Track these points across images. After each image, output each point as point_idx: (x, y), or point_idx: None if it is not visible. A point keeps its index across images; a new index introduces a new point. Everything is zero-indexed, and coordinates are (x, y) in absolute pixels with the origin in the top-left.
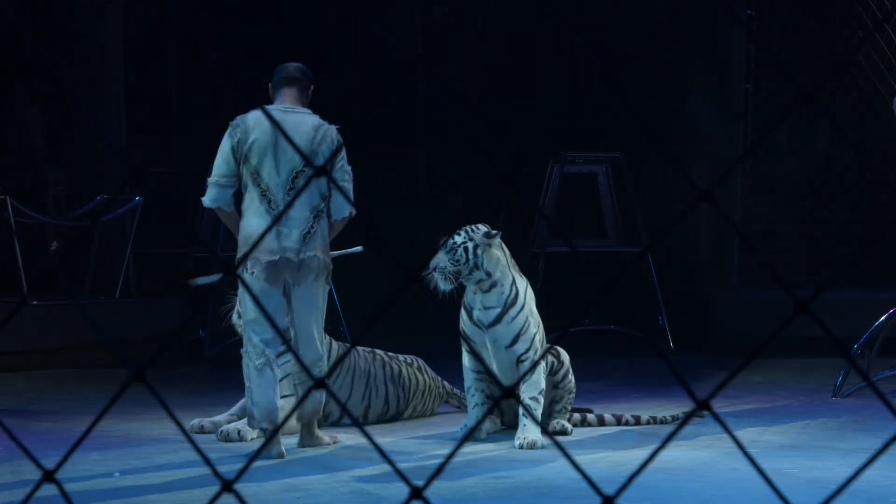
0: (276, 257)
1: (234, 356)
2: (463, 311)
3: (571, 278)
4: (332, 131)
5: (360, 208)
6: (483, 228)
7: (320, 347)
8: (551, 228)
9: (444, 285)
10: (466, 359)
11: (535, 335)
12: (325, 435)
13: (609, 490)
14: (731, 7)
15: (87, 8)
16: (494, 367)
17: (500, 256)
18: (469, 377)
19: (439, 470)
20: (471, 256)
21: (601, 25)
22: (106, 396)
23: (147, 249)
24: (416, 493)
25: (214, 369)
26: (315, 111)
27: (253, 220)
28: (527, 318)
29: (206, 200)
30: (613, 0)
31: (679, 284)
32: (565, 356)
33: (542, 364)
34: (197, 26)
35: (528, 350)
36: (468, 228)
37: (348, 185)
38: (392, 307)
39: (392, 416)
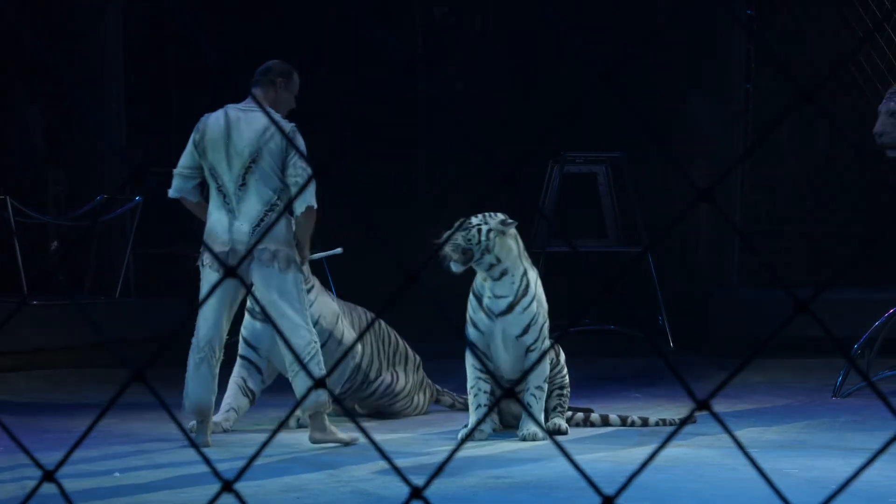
0: (227, 248)
1: (233, 355)
2: (472, 298)
3: (571, 278)
4: (285, 129)
5: (360, 208)
6: (500, 216)
7: (307, 333)
8: (551, 228)
9: (455, 267)
10: (470, 356)
11: (543, 325)
12: (339, 431)
13: (609, 490)
14: (731, 7)
15: (86, 8)
16: (501, 358)
17: (513, 246)
18: (472, 375)
19: (439, 470)
20: (483, 238)
21: (601, 25)
22: (106, 396)
23: (147, 249)
24: (417, 492)
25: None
26: (314, 110)
27: (213, 214)
28: (537, 308)
29: (171, 191)
30: (614, 0)
31: (679, 284)
32: (562, 355)
33: (549, 353)
34: (196, 26)
35: (536, 340)
36: (486, 213)
37: (301, 182)
38: (391, 307)
39: (366, 382)
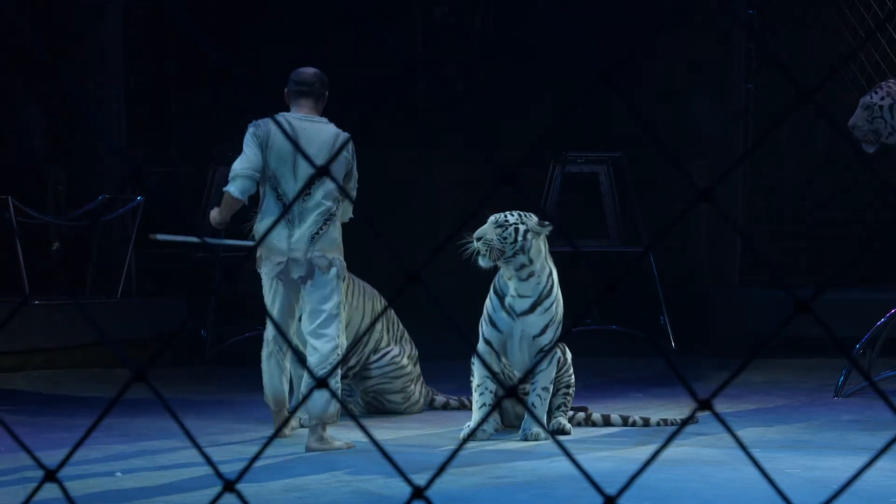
0: (285, 259)
1: (235, 356)
2: (493, 296)
3: (573, 278)
4: (347, 140)
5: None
6: (535, 217)
7: (336, 341)
8: (553, 228)
9: (484, 262)
10: (479, 355)
11: (559, 326)
12: (337, 440)
13: (611, 490)
14: (731, 6)
15: (86, 8)
16: (516, 357)
17: (542, 248)
18: (479, 374)
19: (441, 470)
20: (520, 238)
21: (602, 24)
22: (107, 396)
23: (148, 249)
24: (419, 492)
25: (216, 369)
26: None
27: (267, 222)
28: (556, 310)
29: (236, 191)
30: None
31: (680, 284)
32: (569, 354)
33: (557, 355)
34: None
35: (550, 340)
36: (522, 213)
37: (355, 192)
38: (392, 306)
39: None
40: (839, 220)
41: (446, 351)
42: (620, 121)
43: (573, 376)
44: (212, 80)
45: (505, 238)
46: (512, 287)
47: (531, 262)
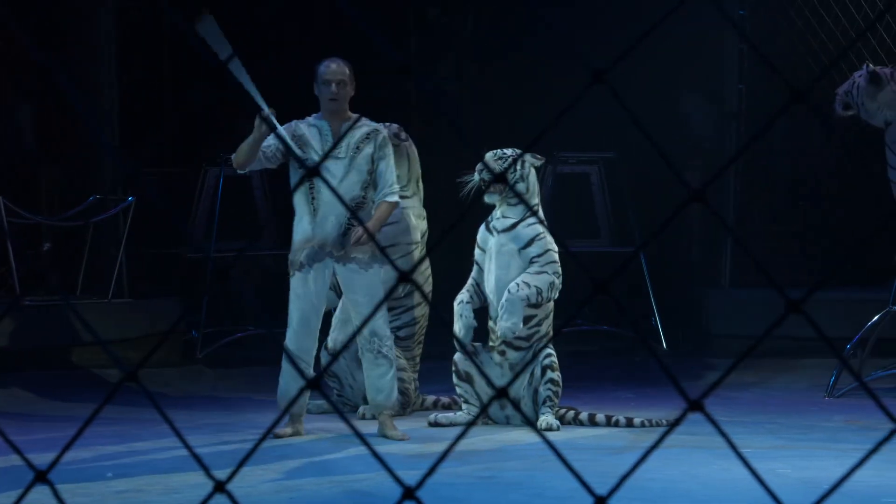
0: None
1: (227, 357)
2: (482, 228)
3: (564, 278)
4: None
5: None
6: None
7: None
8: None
9: (489, 198)
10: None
11: (550, 247)
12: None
13: (601, 490)
14: (723, 7)
15: (79, 7)
16: (493, 276)
17: (536, 182)
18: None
19: (431, 470)
20: (519, 167)
21: (594, 24)
22: (98, 397)
23: (140, 250)
24: (409, 492)
25: (208, 369)
26: (305, 108)
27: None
28: (543, 231)
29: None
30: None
31: (671, 284)
32: (552, 351)
33: (550, 277)
34: (190, 26)
35: (541, 255)
36: (513, 149)
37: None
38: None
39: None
40: (832, 219)
41: (438, 353)
42: (612, 121)
43: (559, 376)
44: (206, 79)
45: (506, 169)
46: (499, 212)
47: (528, 190)
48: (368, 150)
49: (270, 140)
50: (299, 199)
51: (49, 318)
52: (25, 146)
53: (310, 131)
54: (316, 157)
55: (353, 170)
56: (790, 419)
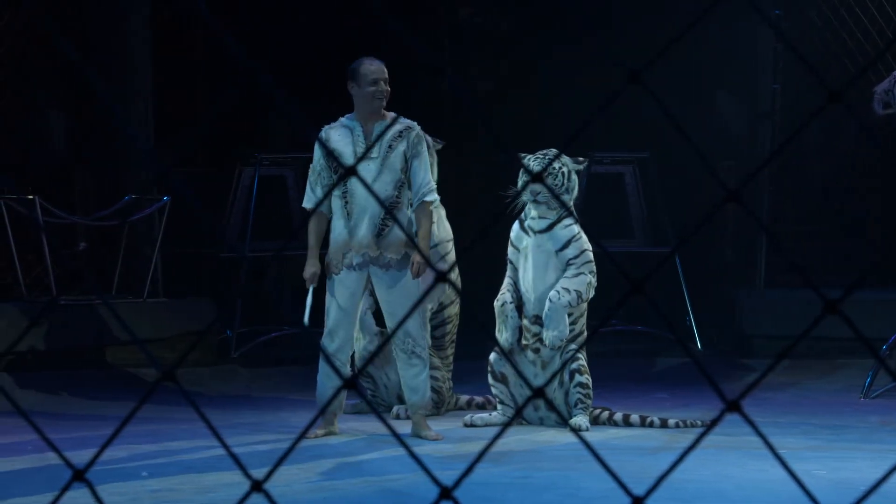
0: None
1: (261, 356)
2: (514, 226)
3: (599, 278)
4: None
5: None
6: (565, 156)
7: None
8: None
9: (537, 209)
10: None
11: (586, 248)
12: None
13: (637, 491)
14: (758, 6)
15: (113, 9)
16: (529, 276)
17: (576, 186)
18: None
19: (469, 470)
20: (566, 181)
21: (628, 24)
22: (132, 396)
23: (174, 249)
24: (446, 492)
25: (242, 369)
26: (338, 109)
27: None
28: (579, 231)
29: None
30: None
31: (706, 285)
32: (580, 354)
33: (587, 278)
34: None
35: (577, 256)
36: (551, 155)
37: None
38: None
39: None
40: (867, 220)
41: (478, 352)
42: (646, 121)
43: (587, 376)
44: (240, 80)
45: (557, 186)
46: (535, 212)
47: (571, 199)
48: (401, 147)
49: (317, 165)
50: (335, 203)
51: (83, 317)
52: (58, 148)
53: (341, 132)
54: (349, 161)
55: (385, 169)
56: (825, 420)
